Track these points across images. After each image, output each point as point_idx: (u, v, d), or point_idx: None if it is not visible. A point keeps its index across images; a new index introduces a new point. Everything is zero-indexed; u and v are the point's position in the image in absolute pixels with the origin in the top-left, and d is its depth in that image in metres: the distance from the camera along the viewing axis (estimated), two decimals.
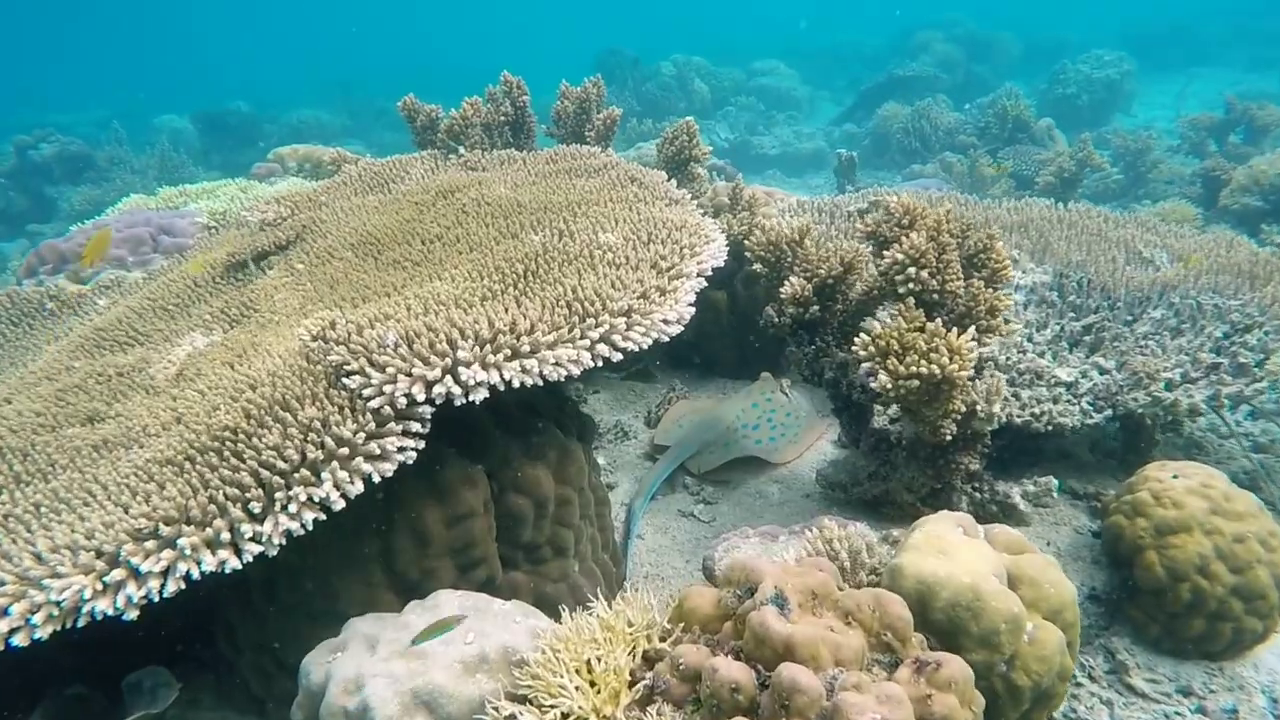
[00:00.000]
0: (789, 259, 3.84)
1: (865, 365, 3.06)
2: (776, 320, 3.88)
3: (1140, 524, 3.34)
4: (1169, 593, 3.23)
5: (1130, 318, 4.40)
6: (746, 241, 4.07)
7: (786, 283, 3.64)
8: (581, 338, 2.69)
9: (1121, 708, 3.13)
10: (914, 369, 2.87)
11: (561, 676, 2.05)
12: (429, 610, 2.41)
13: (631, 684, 2.04)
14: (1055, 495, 3.62)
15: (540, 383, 2.58)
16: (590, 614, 2.29)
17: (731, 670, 1.89)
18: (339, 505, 2.36)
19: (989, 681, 2.30)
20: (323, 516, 2.34)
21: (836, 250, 3.63)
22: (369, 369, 2.51)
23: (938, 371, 2.83)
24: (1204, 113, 11.06)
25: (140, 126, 17.71)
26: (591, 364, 2.69)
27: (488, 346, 2.54)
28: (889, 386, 2.93)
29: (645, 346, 2.82)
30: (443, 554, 2.77)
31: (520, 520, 2.91)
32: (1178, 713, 3.14)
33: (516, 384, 2.55)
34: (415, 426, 2.50)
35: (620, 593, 3.51)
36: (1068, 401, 3.81)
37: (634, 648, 2.15)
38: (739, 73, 19.83)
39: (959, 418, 3.13)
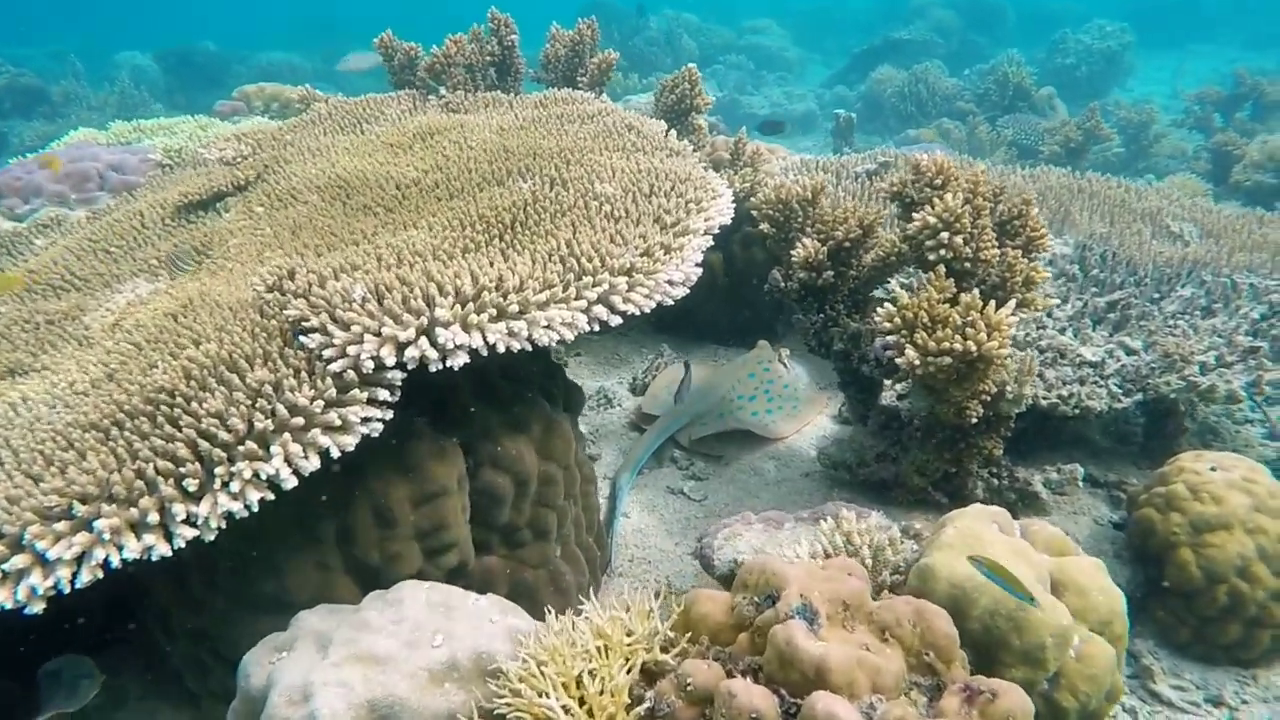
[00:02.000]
0: (799, 219, 3.51)
1: (889, 339, 2.75)
2: (783, 285, 3.55)
3: (1175, 519, 3.08)
4: (1204, 595, 2.98)
5: (1158, 295, 4.12)
6: (752, 199, 3.73)
7: (798, 244, 3.31)
8: (577, 298, 2.35)
9: (1146, 717, 2.89)
10: (946, 345, 2.56)
11: (547, 695, 1.74)
12: (391, 606, 2.09)
13: (629, 705, 1.74)
14: (1081, 484, 3.35)
15: (528, 347, 2.25)
16: (581, 616, 1.98)
17: (752, 696, 1.59)
18: (290, 484, 2.02)
19: None
20: (270, 496, 2.00)
21: (854, 211, 3.30)
22: (331, 326, 2.16)
23: (974, 349, 2.52)
24: (1209, 86, 10.76)
25: (100, 63, 16.82)
26: (587, 328, 2.36)
27: (470, 305, 2.19)
28: (916, 363, 2.62)
29: (647, 310, 2.49)
30: (409, 536, 2.44)
31: (498, 500, 2.59)
32: None
33: (502, 348, 2.21)
34: (383, 394, 2.16)
35: (607, 579, 3.21)
36: (1094, 383, 3.53)
37: (630, 660, 1.84)
38: (728, 31, 19.29)
39: (988, 399, 2.83)
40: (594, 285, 2.38)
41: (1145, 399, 3.52)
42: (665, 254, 2.62)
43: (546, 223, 2.74)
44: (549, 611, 2.02)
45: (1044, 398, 3.33)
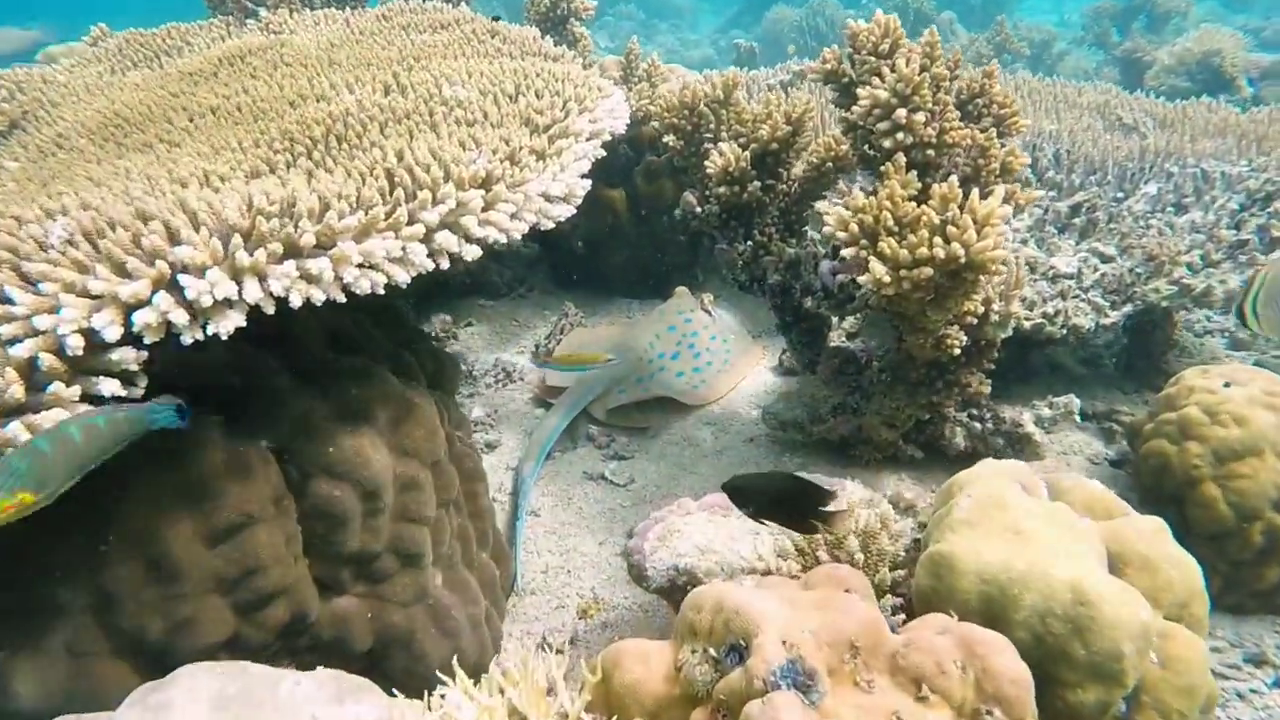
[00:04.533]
0: (711, 125, 2.82)
1: (843, 254, 2.09)
2: (700, 210, 2.87)
3: (1193, 450, 2.54)
4: (1235, 536, 2.45)
5: (1121, 194, 3.58)
6: (651, 107, 3.03)
7: (714, 153, 2.63)
8: (410, 222, 1.62)
9: None
10: (923, 252, 1.92)
11: None
12: (154, 712, 1.35)
13: None
14: (1078, 419, 2.79)
15: (338, 296, 1.51)
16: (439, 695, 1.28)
17: None
18: None
19: None
20: None
21: (778, 104, 2.62)
22: (10, 289, 1.37)
23: (960, 253, 1.88)
24: (1104, 1, 10.46)
25: None
26: (428, 265, 1.63)
27: (238, 240, 1.43)
28: (885, 281, 1.97)
29: (516, 236, 1.77)
30: (206, 590, 1.69)
31: (340, 520, 1.85)
32: (1253, 689, 2.37)
33: (298, 300, 1.47)
34: (110, 387, 1.39)
35: (515, 602, 2.50)
36: (1075, 298, 2.96)
37: None
38: None
39: (974, 321, 2.21)
40: (435, 203, 1.65)
41: (1135, 310, 2.97)
42: (538, 161, 1.90)
43: (373, 133, 1.99)
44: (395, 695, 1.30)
45: (1026, 318, 2.74)
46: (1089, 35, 10.57)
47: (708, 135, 2.85)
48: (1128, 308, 2.92)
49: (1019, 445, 2.73)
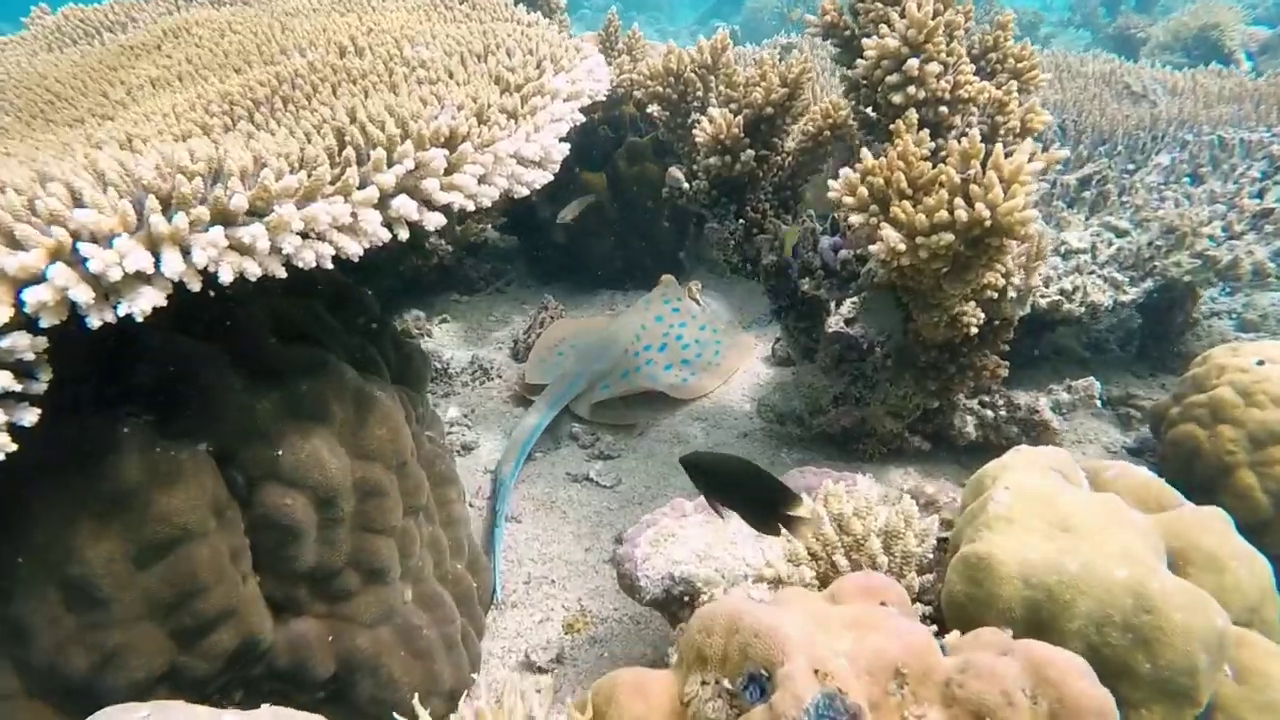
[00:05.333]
0: (698, 91, 2.61)
1: (849, 223, 1.88)
2: (688, 186, 2.66)
3: (1227, 434, 2.36)
4: (1275, 528, 2.26)
5: (1132, 165, 3.40)
6: (633, 75, 2.82)
7: (704, 120, 2.42)
8: (362, 185, 1.40)
9: None
10: (943, 215, 1.72)
11: None
12: None
13: None
14: (1099, 402, 2.59)
15: (277, 270, 1.29)
16: None
17: None
18: None
19: None
20: None
21: (772, 65, 2.42)
22: None
23: (985, 215, 1.68)
24: None
25: None
26: (384, 234, 1.41)
27: (153, 203, 1.21)
28: (900, 250, 1.76)
29: (486, 202, 1.55)
30: (137, 616, 1.47)
31: (292, 531, 1.63)
32: None
33: (227, 276, 1.24)
34: (1, 380, 1.16)
35: (495, 617, 2.28)
36: (1091, 274, 2.77)
37: None
38: None
39: (995, 295, 2.01)
40: (391, 164, 1.43)
41: (1155, 286, 2.79)
42: (509, 120, 1.69)
43: (325, 94, 1.77)
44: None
45: (1041, 295, 2.55)
46: (1076, 17, 10.45)
47: (695, 104, 2.65)
48: (1148, 283, 2.73)
49: (1035, 433, 2.53)
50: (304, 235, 1.30)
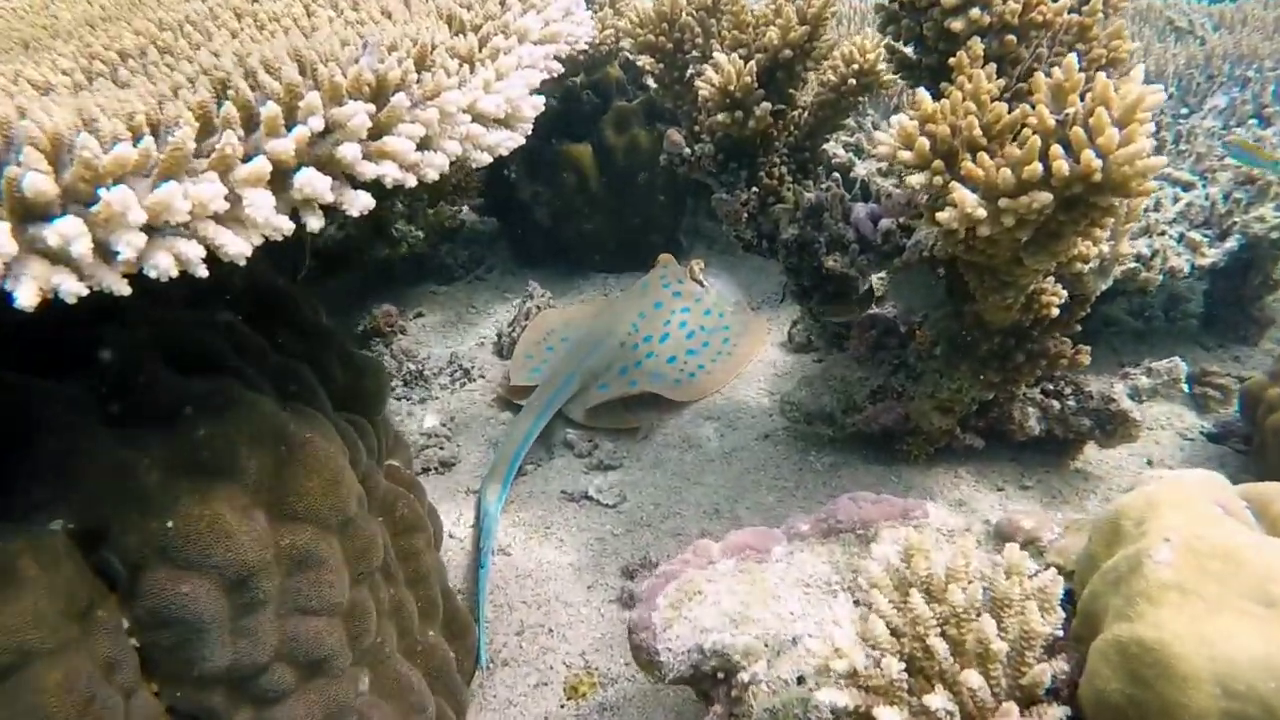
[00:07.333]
0: (697, 38, 2.19)
1: (912, 180, 1.47)
2: (688, 151, 2.24)
3: None
4: None
5: (1186, 110, 3.00)
6: (620, 25, 2.39)
7: (708, 69, 1.99)
8: (253, 155, 0.98)
9: None
10: (1035, 169, 1.31)
11: None
12: None
13: None
14: (1186, 387, 2.20)
15: (119, 287, 0.87)
16: None
17: None
18: None
19: None
20: None
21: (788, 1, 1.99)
22: None
23: (1095, 166, 1.27)
24: None
25: None
26: (288, 225, 1.00)
27: None
28: (980, 216, 1.35)
29: (432, 175, 1.13)
30: None
31: (194, 625, 1.23)
32: None
33: (28, 301, 0.83)
34: None
35: (483, 683, 1.87)
36: (1164, 234, 2.37)
37: None
38: None
39: (1085, 268, 1.61)
40: (290, 124, 1.01)
41: (1238, 246, 2.39)
42: (462, 67, 1.26)
43: (215, 44, 1.34)
44: None
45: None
46: None
47: (694, 54, 2.22)
48: (1230, 243, 2.33)
49: (1111, 426, 2.14)
50: (150, 230, 0.88)
